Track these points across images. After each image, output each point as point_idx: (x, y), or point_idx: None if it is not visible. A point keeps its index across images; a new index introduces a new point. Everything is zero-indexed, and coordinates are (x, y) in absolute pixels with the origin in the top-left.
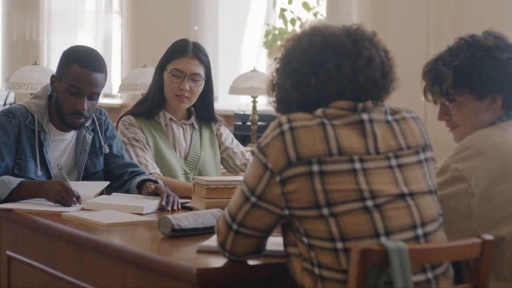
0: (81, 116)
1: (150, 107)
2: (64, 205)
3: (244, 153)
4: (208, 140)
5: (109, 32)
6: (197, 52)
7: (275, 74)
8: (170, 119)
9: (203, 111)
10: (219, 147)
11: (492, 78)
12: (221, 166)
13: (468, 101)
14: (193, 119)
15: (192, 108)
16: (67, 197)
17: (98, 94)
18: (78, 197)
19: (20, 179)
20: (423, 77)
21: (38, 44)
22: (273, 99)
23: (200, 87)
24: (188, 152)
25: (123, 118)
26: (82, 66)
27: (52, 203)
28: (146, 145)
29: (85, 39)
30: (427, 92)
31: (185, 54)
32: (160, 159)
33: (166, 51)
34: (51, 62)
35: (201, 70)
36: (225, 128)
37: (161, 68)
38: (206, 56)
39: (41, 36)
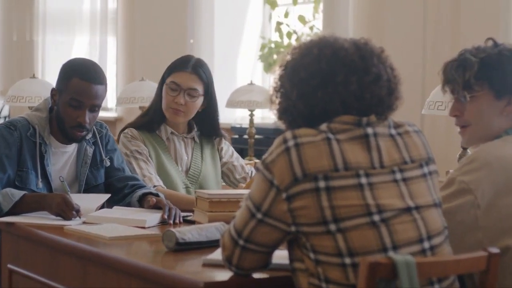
0: (83, 129)
1: (151, 120)
2: (64, 218)
3: (244, 166)
4: (209, 154)
5: (104, 45)
6: (197, 68)
7: (278, 81)
8: (172, 132)
9: (207, 128)
10: (220, 160)
11: None
12: (222, 180)
13: (485, 97)
14: (194, 133)
15: (193, 122)
16: (67, 211)
17: (99, 106)
18: (78, 211)
19: (23, 192)
20: (444, 69)
21: (33, 44)
22: (275, 107)
23: (196, 102)
24: (190, 166)
25: (125, 131)
26: (82, 79)
27: (54, 216)
28: (149, 157)
29: (80, 52)
30: (446, 82)
31: (184, 68)
32: (161, 172)
33: (168, 66)
34: (46, 64)
35: (199, 86)
36: (226, 142)
37: (162, 81)
38: (206, 73)
39: (35, 37)
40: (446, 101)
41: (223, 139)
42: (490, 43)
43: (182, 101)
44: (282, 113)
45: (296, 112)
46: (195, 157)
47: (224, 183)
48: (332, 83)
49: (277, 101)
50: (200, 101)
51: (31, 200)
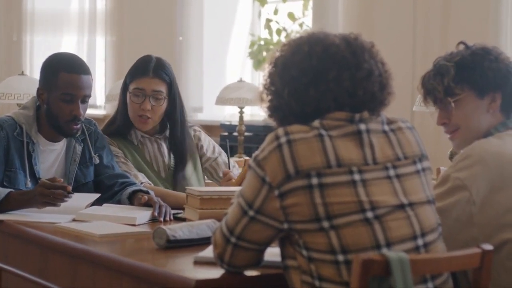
0: (78, 121)
1: (119, 127)
2: (54, 204)
3: (226, 162)
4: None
5: (93, 44)
6: (158, 71)
7: (268, 78)
8: (142, 136)
9: (176, 129)
10: (201, 158)
11: (493, 72)
12: (205, 177)
13: (468, 99)
14: (167, 133)
15: (166, 120)
16: (51, 194)
17: (89, 97)
18: (63, 187)
19: (8, 190)
20: (422, 81)
21: (21, 44)
22: (266, 104)
23: (162, 106)
24: (168, 167)
25: None
26: (69, 71)
27: (44, 213)
28: (126, 158)
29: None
30: (427, 93)
31: (145, 74)
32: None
33: (128, 70)
34: (34, 64)
35: (162, 88)
36: (205, 135)
37: (124, 88)
38: (168, 73)
39: (23, 37)
40: (433, 113)
41: (201, 136)
42: (461, 46)
43: (149, 106)
44: (273, 111)
45: (288, 109)
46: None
47: (207, 179)
48: (324, 80)
49: (268, 98)
50: (165, 103)
51: (17, 198)
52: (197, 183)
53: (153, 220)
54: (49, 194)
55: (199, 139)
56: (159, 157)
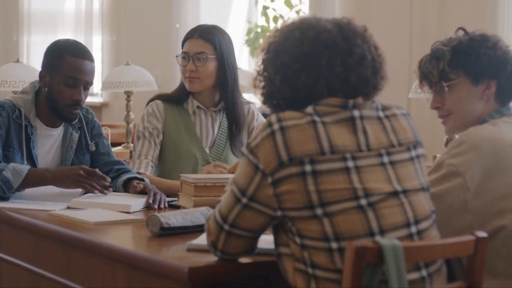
0: (78, 107)
1: (178, 94)
2: (91, 189)
3: None
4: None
5: (90, 30)
6: (204, 33)
7: (262, 65)
8: (198, 106)
9: (227, 92)
10: (250, 133)
11: (488, 59)
12: None
13: (462, 84)
14: (222, 105)
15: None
16: (90, 176)
17: (91, 84)
18: (103, 177)
19: (27, 166)
20: (419, 65)
21: (18, 44)
22: (260, 91)
23: (206, 65)
24: (214, 142)
25: (151, 103)
26: (75, 56)
27: (40, 200)
28: (157, 140)
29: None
30: (423, 77)
31: (191, 36)
32: (182, 149)
33: None
34: (30, 63)
35: (206, 49)
36: (259, 113)
37: None
38: (215, 37)
39: (20, 37)
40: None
41: (255, 117)
42: (460, 32)
43: (193, 67)
44: (267, 98)
45: (281, 96)
46: (221, 132)
47: None
48: (316, 66)
49: (261, 85)
50: (212, 64)
51: (37, 174)
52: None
53: (148, 207)
54: (87, 177)
55: (251, 118)
56: (209, 131)
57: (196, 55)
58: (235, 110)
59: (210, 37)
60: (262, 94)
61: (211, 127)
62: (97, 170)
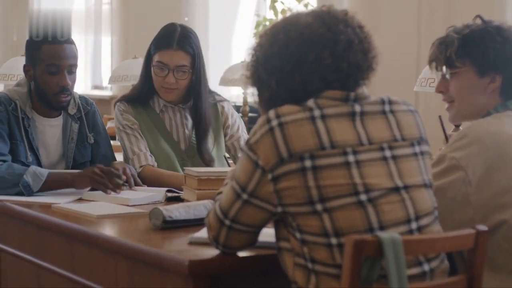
0: (67, 92)
1: (141, 94)
2: (105, 189)
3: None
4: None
5: (99, 24)
6: (182, 43)
7: (254, 74)
8: (165, 104)
9: (201, 100)
10: (225, 136)
11: (496, 53)
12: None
13: (467, 74)
14: (191, 102)
15: (190, 90)
16: (104, 181)
17: (76, 66)
18: (119, 176)
19: (47, 170)
20: (431, 46)
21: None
22: (258, 100)
23: (186, 79)
24: (189, 140)
25: (118, 104)
26: (51, 42)
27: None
28: (140, 132)
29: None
30: (431, 59)
31: (169, 46)
32: (155, 148)
33: (153, 39)
34: None
35: (186, 61)
36: (234, 113)
37: (148, 56)
38: (193, 46)
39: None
40: (437, 78)
41: (228, 113)
42: (478, 21)
43: (173, 79)
44: (268, 104)
45: (280, 99)
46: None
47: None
48: (306, 64)
49: (259, 93)
50: (190, 75)
51: (57, 178)
52: (216, 159)
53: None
54: (103, 176)
55: (226, 116)
56: (180, 127)
57: (177, 68)
58: (200, 108)
59: (189, 50)
60: (262, 102)
61: (180, 123)
62: (112, 169)
